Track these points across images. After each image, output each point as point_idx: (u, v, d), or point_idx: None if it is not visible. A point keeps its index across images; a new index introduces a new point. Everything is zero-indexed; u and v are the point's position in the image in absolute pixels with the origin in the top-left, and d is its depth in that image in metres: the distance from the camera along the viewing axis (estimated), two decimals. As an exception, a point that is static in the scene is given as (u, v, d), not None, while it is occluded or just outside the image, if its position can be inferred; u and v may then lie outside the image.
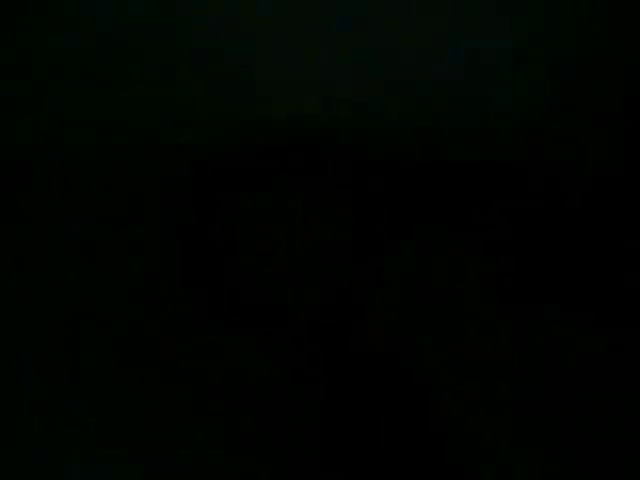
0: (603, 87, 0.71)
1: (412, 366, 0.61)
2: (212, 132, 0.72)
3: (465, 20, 0.68)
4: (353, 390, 0.65)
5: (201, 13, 0.67)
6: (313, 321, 0.67)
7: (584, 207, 0.71)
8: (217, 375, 0.66)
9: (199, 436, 0.64)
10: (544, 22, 0.69)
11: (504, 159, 0.72)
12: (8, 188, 0.71)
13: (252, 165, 0.71)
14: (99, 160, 0.72)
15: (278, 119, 0.72)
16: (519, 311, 0.60)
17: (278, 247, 0.67)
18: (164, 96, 0.70)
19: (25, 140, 0.71)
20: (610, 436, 0.52)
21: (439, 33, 0.68)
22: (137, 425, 0.65)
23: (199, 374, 0.66)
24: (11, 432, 0.63)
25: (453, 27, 0.68)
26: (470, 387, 0.57)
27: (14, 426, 0.64)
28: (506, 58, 0.70)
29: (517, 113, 0.72)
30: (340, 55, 0.69)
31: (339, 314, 0.67)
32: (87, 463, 0.63)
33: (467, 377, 0.57)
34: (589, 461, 0.52)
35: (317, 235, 0.67)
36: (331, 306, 0.66)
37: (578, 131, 0.72)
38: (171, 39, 0.68)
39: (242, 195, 0.69)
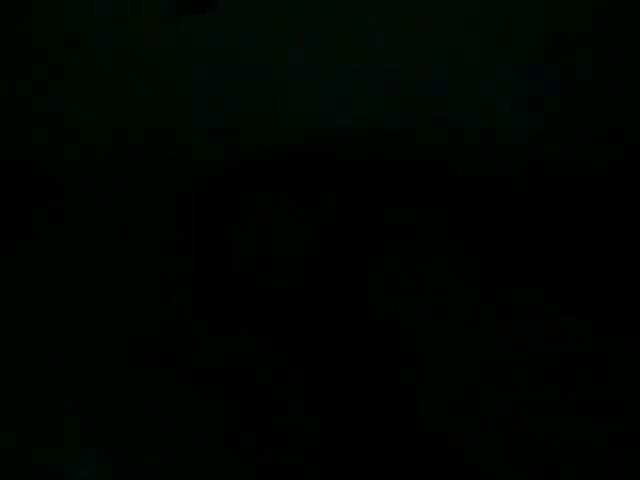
0: (601, 97, 0.72)
1: (397, 348, 0.61)
2: (217, 143, 0.75)
3: (467, 29, 0.69)
4: (343, 372, 0.65)
5: (210, 22, 0.69)
6: (307, 305, 0.68)
7: (567, 199, 0.72)
8: (214, 360, 0.68)
9: (194, 423, 0.66)
10: (543, 32, 0.70)
11: (492, 159, 0.73)
12: (24, 194, 0.73)
13: (252, 170, 0.73)
14: (115, 167, 0.74)
15: (279, 126, 0.74)
16: (503, 295, 0.60)
17: (276, 241, 0.69)
18: (175, 105, 0.73)
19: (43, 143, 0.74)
20: (595, 422, 0.51)
21: (439, 39, 0.70)
22: (131, 415, 0.66)
23: (196, 359, 0.68)
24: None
25: (454, 33, 0.70)
26: (451, 365, 0.57)
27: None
28: (507, 69, 0.72)
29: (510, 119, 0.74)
30: (340, 61, 0.71)
31: (332, 298, 0.68)
32: (82, 455, 0.64)
33: (449, 355, 0.57)
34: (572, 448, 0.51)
35: (312, 229, 0.69)
36: (324, 291, 0.68)
37: (566, 135, 0.74)
38: (184, 47, 0.70)
39: (243, 196, 0.71)
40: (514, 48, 0.70)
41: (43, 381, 0.67)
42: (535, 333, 0.54)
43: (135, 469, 0.63)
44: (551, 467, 0.48)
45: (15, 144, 0.73)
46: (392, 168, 0.72)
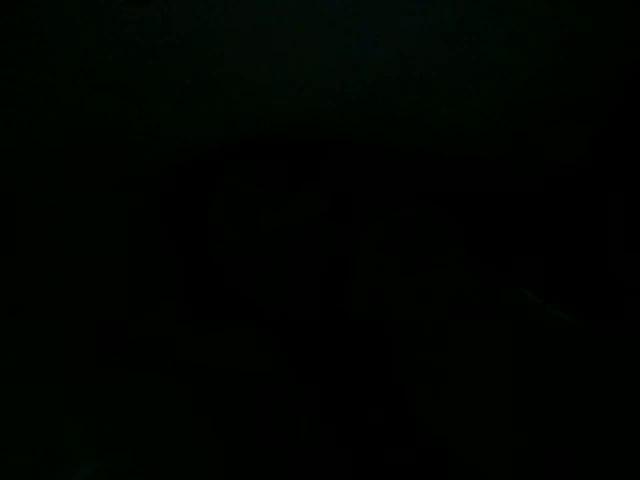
0: (575, 88, 0.74)
1: (391, 347, 0.62)
2: (200, 130, 0.74)
3: (445, 18, 0.69)
4: (336, 371, 0.66)
5: (194, 14, 0.68)
6: (296, 302, 0.68)
7: (556, 197, 0.73)
8: (203, 360, 0.68)
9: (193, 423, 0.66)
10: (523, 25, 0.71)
11: (478, 151, 0.74)
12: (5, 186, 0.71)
13: (237, 160, 0.72)
14: (98, 161, 0.73)
15: (260, 115, 0.73)
16: (501, 292, 0.60)
17: (261, 235, 0.68)
18: (159, 95, 0.72)
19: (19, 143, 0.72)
20: (595, 422, 0.52)
21: (419, 29, 0.69)
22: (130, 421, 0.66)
23: (184, 359, 0.68)
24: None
25: (433, 23, 0.70)
26: (448, 364, 0.57)
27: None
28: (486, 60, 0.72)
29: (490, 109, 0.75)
30: (322, 53, 0.71)
31: (326, 289, 0.67)
32: (85, 460, 0.64)
33: (446, 354, 0.58)
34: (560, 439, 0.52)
35: (300, 219, 0.69)
36: (313, 288, 0.67)
37: (547, 129, 0.75)
38: (167, 38, 0.69)
39: (226, 185, 0.70)
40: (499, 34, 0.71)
41: (31, 377, 0.66)
42: (534, 332, 0.55)
43: (131, 470, 0.63)
44: (551, 467, 0.49)
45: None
46: (381, 158, 0.72)
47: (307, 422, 0.66)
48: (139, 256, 0.72)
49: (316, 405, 0.66)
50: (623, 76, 0.73)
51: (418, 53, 0.71)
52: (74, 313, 0.69)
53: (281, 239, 0.68)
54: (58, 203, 0.72)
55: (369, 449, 0.64)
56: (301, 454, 0.65)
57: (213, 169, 0.72)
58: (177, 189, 0.72)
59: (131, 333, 0.69)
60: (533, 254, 0.71)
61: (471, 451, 0.54)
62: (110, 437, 0.64)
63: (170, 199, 0.72)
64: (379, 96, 0.73)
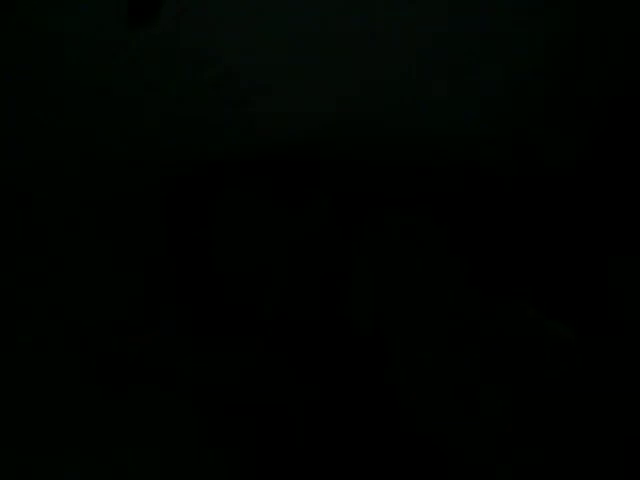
0: (566, 93, 0.74)
1: (385, 353, 0.62)
2: (198, 141, 0.74)
3: (439, 22, 0.69)
4: (334, 377, 0.66)
5: (197, 19, 0.68)
6: (302, 307, 0.68)
7: (556, 197, 0.73)
8: (205, 374, 0.68)
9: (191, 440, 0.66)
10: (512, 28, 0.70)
11: (472, 160, 0.74)
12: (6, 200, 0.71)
13: (236, 171, 0.72)
14: (96, 167, 0.73)
15: (261, 127, 0.73)
16: (490, 303, 0.61)
17: (262, 245, 0.69)
18: (159, 102, 0.72)
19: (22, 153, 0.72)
20: (592, 423, 0.52)
21: (413, 33, 0.70)
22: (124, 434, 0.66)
23: (190, 380, 0.68)
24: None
25: (427, 26, 0.70)
26: (434, 372, 0.57)
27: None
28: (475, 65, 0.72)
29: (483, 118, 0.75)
30: (323, 67, 0.71)
31: (322, 304, 0.68)
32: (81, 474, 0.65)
33: (439, 359, 0.58)
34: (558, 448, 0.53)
35: (300, 228, 0.69)
36: (310, 298, 0.68)
37: (541, 135, 0.75)
38: (170, 45, 0.69)
39: (227, 198, 0.70)
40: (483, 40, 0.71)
41: (29, 385, 0.66)
42: (534, 346, 0.55)
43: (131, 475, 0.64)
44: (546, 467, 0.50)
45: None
46: (378, 170, 0.72)
47: (307, 430, 0.66)
48: (138, 268, 0.72)
49: (315, 412, 0.67)
50: (623, 76, 0.72)
51: (415, 56, 0.71)
52: (72, 325, 0.69)
53: (281, 249, 0.68)
54: (58, 208, 0.72)
55: (367, 449, 0.64)
56: (300, 456, 0.65)
57: (214, 181, 0.72)
58: (178, 199, 0.72)
59: (131, 347, 0.69)
60: (533, 256, 0.70)
61: (472, 459, 0.55)
62: (109, 450, 0.65)
63: (171, 210, 0.72)
64: (378, 98, 0.73)
